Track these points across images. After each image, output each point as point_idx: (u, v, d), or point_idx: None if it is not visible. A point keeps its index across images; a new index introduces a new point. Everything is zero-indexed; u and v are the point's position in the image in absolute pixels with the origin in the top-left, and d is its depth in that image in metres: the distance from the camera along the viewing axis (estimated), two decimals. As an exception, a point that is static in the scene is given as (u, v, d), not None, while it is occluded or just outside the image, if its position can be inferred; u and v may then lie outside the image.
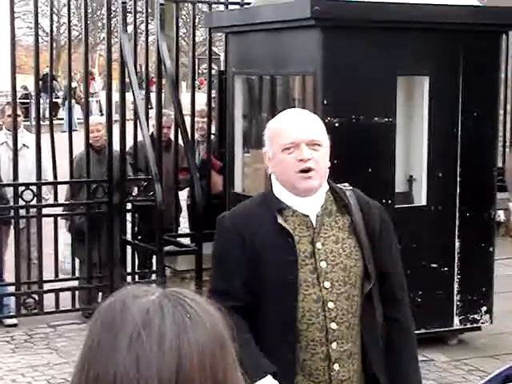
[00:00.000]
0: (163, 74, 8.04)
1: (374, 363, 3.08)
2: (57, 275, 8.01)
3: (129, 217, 8.27)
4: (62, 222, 8.24)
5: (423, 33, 6.76)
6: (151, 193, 7.74)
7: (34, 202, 7.72)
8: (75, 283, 8.13)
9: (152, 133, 8.23)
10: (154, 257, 8.01)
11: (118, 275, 7.86)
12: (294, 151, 2.98)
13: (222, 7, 8.97)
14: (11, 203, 7.71)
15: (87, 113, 8.35)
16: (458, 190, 6.99)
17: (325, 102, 6.50)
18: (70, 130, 8.26)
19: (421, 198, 7.00)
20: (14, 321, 7.82)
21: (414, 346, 3.20)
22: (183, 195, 8.97)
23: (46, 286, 7.86)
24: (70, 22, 8.46)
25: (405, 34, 6.72)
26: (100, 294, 8.05)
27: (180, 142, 8.10)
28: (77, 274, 8.16)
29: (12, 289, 7.87)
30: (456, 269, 7.03)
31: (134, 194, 8.28)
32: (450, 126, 6.94)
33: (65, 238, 8.20)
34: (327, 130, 3.09)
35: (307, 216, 3.04)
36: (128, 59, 7.83)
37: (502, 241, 9.88)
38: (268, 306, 3.00)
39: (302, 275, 2.98)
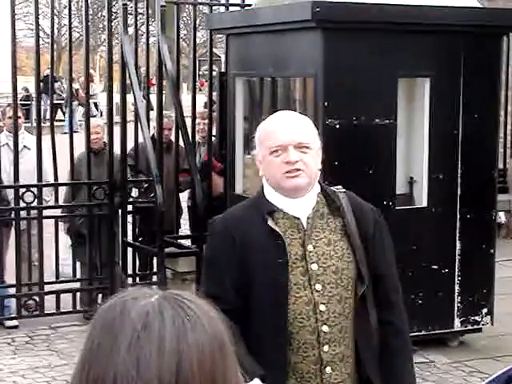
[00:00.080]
0: (164, 75, 8.04)
1: (368, 366, 3.05)
2: (57, 277, 8.00)
3: (130, 218, 8.28)
4: (61, 224, 8.24)
5: (424, 34, 6.75)
6: (152, 194, 7.74)
7: (34, 204, 7.72)
8: (76, 285, 8.13)
9: (153, 134, 8.24)
10: (155, 258, 8.00)
11: (118, 277, 7.85)
12: (281, 154, 2.97)
13: (222, 9, 8.97)
14: (12, 205, 7.71)
15: (88, 115, 8.34)
16: (458, 192, 6.98)
17: (326, 103, 6.48)
18: (71, 132, 8.25)
19: (421, 199, 6.99)
20: (14, 322, 7.81)
21: (409, 349, 3.18)
22: (184, 197, 8.97)
23: (47, 288, 7.86)
24: (70, 23, 8.45)
25: (406, 36, 6.72)
26: (100, 295, 8.04)
27: (181, 143, 8.10)
28: (78, 276, 8.16)
29: (13, 290, 7.86)
30: (457, 270, 7.02)
31: (134, 196, 8.28)
32: (450, 128, 6.94)
33: (64, 240, 8.19)
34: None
35: (298, 218, 3.02)
36: (129, 61, 7.84)
37: (502, 242, 9.89)
38: (259, 309, 2.98)
39: (293, 277, 2.97)
